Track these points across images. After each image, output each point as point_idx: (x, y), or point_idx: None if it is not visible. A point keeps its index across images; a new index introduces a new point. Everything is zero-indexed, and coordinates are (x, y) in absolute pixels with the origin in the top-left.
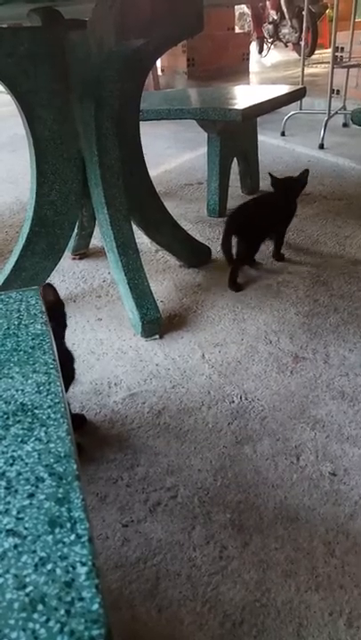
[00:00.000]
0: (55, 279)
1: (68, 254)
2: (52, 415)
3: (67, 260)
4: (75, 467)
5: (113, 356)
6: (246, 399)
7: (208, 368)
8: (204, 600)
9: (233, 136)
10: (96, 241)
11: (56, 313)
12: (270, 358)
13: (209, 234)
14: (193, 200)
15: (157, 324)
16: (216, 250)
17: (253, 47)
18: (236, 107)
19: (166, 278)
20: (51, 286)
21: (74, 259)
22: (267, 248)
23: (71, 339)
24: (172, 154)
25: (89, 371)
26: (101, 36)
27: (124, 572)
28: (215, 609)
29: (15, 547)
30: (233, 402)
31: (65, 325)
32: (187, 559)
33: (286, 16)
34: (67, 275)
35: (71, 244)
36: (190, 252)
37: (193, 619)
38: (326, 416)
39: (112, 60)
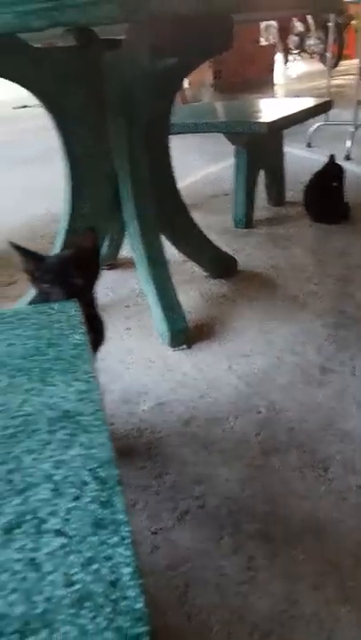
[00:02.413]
0: None
1: None
2: (94, 422)
3: None
4: (116, 472)
5: (142, 365)
6: (273, 410)
7: (235, 378)
8: (232, 609)
9: (259, 148)
10: (124, 251)
11: (91, 260)
12: (297, 370)
13: (235, 245)
14: (219, 211)
15: (185, 334)
16: (242, 261)
17: (279, 59)
18: (262, 120)
19: (193, 288)
20: (93, 231)
21: (103, 269)
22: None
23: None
24: (198, 166)
25: (118, 379)
26: (135, 55)
27: (154, 579)
28: (244, 619)
29: (63, 546)
30: (260, 412)
31: (97, 274)
32: (215, 568)
33: (312, 27)
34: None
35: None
36: (217, 263)
37: (222, 627)
38: (354, 429)
39: (145, 79)
